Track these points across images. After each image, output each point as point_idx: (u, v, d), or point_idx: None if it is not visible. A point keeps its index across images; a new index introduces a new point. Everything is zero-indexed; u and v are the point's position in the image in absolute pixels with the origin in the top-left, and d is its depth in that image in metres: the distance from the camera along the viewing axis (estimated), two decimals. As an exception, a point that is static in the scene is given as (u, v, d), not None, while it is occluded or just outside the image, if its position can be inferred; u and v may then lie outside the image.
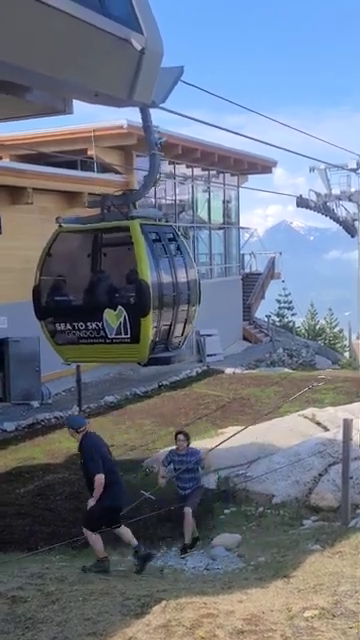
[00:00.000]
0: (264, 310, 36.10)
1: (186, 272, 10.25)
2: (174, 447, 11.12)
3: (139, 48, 7.86)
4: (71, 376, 20.98)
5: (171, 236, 10.24)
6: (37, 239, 20.35)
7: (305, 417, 14.83)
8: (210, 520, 10.89)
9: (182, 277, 10.08)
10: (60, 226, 10.11)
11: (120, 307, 9.38)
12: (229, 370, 24.54)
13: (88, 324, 9.60)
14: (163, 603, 5.15)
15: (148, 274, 9.18)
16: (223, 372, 24.29)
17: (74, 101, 9.24)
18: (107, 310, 9.44)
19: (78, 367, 19.24)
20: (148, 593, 5.42)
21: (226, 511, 11.28)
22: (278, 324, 40.63)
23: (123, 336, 9.42)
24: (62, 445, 15.48)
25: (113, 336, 9.46)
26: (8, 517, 11.19)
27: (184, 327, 10.30)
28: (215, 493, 12.02)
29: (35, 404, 19.81)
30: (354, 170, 31.47)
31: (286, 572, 6.55)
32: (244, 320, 32.94)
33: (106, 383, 23.03)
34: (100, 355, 10.08)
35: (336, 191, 33.95)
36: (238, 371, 24.59)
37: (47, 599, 5.38)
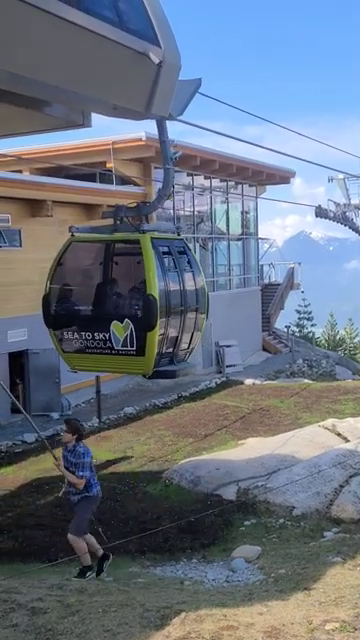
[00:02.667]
0: (283, 321, 35.98)
1: (195, 286, 10.25)
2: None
3: (157, 61, 7.89)
4: (90, 387, 21.06)
5: (182, 249, 10.25)
6: (56, 251, 20.71)
7: (325, 428, 14.76)
8: (230, 532, 10.82)
9: (191, 291, 10.07)
10: (72, 235, 10.15)
11: (127, 320, 9.40)
12: (249, 381, 24.47)
13: (95, 334, 9.63)
14: (183, 615, 5.12)
15: (156, 289, 9.18)
16: (242, 383, 24.23)
17: (92, 114, 9.30)
18: (114, 322, 9.46)
19: (98, 379, 19.33)
20: (168, 605, 5.40)
21: (246, 523, 11.23)
22: (298, 335, 40.48)
23: (129, 348, 9.43)
24: (82, 456, 15.50)
25: (119, 348, 9.48)
26: (28, 528, 11.22)
27: (190, 340, 10.28)
28: (235, 504, 11.97)
29: (55, 415, 19.91)
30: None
31: (307, 584, 6.49)
32: (263, 331, 32.84)
33: (125, 394, 23.06)
34: (106, 365, 10.08)
35: (355, 201, 33.83)
36: (258, 382, 24.51)
37: (67, 610, 5.37)
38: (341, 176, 32.44)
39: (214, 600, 6.05)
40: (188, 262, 10.10)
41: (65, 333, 9.89)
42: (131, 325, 9.23)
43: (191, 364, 10.51)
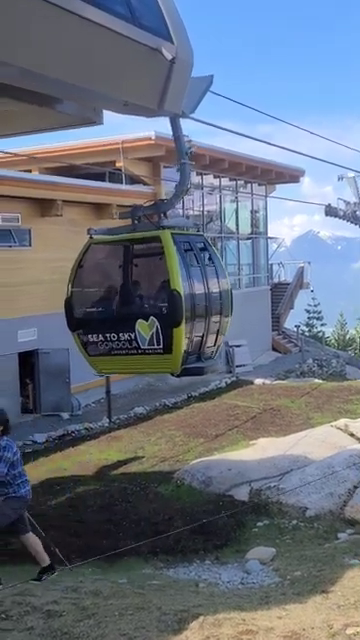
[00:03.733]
0: (293, 320, 35.83)
1: (218, 282, 10.17)
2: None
3: (170, 58, 7.83)
4: (100, 387, 20.99)
5: (202, 245, 10.17)
6: (66, 251, 20.51)
7: (338, 428, 14.64)
8: (243, 533, 10.72)
9: (214, 287, 9.99)
10: (91, 237, 10.09)
11: (152, 318, 9.30)
12: (259, 381, 24.35)
13: (120, 335, 9.54)
14: (201, 619, 5.04)
15: (180, 284, 9.10)
16: (252, 383, 24.10)
17: (104, 112, 9.23)
18: (139, 321, 9.38)
19: (108, 378, 19.24)
20: (185, 608, 5.31)
21: (259, 524, 11.12)
22: (307, 334, 40.30)
23: (155, 347, 9.34)
24: (93, 457, 15.47)
25: (145, 347, 9.39)
26: (40, 529, 11.12)
27: (216, 337, 10.20)
28: (247, 505, 11.87)
29: (65, 415, 19.87)
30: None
31: (324, 587, 6.40)
32: (273, 330, 32.70)
33: (135, 394, 22.99)
34: (132, 366, 10.02)
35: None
36: (268, 382, 24.38)
37: (82, 613, 5.29)
38: (351, 174, 32.38)
39: (231, 603, 5.96)
40: (209, 258, 10.03)
41: (89, 336, 9.80)
42: (156, 322, 9.16)
43: (218, 360, 10.44)
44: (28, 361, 20.02)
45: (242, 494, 12.29)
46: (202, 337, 9.83)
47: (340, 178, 32.81)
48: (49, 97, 7.91)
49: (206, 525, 11.13)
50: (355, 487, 11.67)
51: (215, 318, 10.08)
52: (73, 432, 17.80)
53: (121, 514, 11.78)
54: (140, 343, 9.45)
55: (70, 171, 22.60)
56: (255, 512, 11.58)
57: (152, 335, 9.35)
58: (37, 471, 14.64)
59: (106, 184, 23.30)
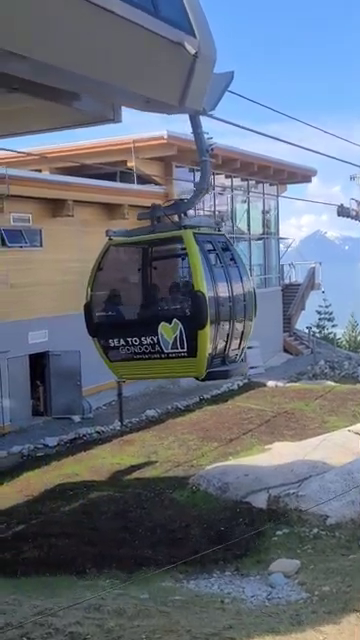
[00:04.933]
0: (304, 321, 35.47)
1: (242, 282, 9.84)
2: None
3: (193, 52, 7.51)
4: (111, 390, 20.73)
5: (224, 245, 9.86)
6: (77, 252, 20.43)
7: (356, 433, 14.32)
8: (262, 542, 10.43)
9: (238, 288, 9.65)
10: (110, 239, 9.78)
11: (176, 320, 8.99)
12: (271, 383, 24.04)
13: (143, 339, 9.23)
14: (233, 644, 4.76)
15: (204, 285, 8.79)
16: (265, 385, 23.80)
17: (122, 109, 8.95)
18: (162, 324, 9.06)
19: (119, 382, 18.97)
20: (215, 631, 5.03)
21: (278, 532, 10.82)
22: (318, 335, 39.92)
23: (179, 350, 9.02)
24: (105, 461, 15.21)
25: (169, 350, 9.07)
26: (53, 537, 10.89)
27: (241, 339, 9.88)
28: (266, 513, 11.58)
29: (76, 418, 19.61)
30: None
31: (356, 605, 6.10)
32: (284, 332, 32.37)
33: (146, 397, 22.72)
34: (156, 371, 9.69)
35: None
36: (280, 384, 24.07)
37: (108, 636, 5.01)
38: (363, 174, 31.91)
39: (261, 624, 5.67)
40: (232, 258, 9.71)
41: (110, 341, 9.49)
42: (180, 325, 8.84)
43: (244, 363, 10.13)
44: (39, 363, 19.78)
45: (260, 501, 12.00)
46: (227, 339, 9.52)
47: (352, 178, 32.39)
48: (67, 93, 7.63)
49: (224, 533, 10.89)
50: (377, 495, 11.35)
51: (239, 320, 9.77)
52: (85, 435, 17.54)
53: (136, 521, 11.52)
54: (163, 347, 9.14)
55: (81, 171, 22.35)
56: (274, 520, 11.30)
57: (176, 338, 9.04)
58: (49, 476, 14.41)
59: (118, 184, 23.03)
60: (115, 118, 8.86)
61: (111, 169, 22.50)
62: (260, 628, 5.36)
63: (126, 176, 23.93)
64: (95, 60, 6.55)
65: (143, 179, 23.74)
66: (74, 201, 20.00)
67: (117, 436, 17.43)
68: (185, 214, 9.86)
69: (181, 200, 10.16)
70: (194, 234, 9.14)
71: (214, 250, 9.56)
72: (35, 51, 5.86)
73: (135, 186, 22.81)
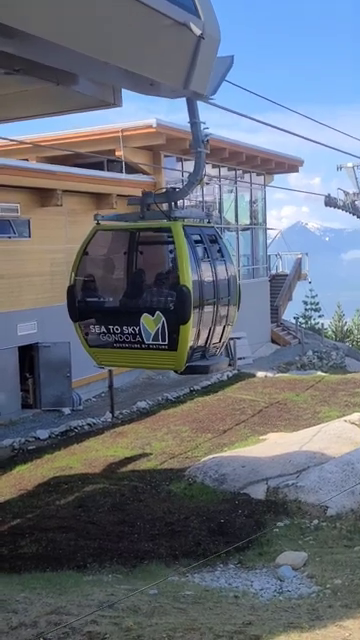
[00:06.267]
0: (291, 312, 35.47)
1: (227, 277, 9.70)
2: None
3: (198, 33, 7.30)
4: (101, 381, 20.56)
5: (213, 238, 9.69)
6: (66, 242, 20.16)
7: (352, 423, 14.25)
8: (264, 534, 10.31)
9: (223, 282, 9.51)
10: (98, 223, 9.57)
11: (158, 313, 8.85)
12: (260, 374, 23.95)
13: (124, 328, 9.09)
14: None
15: (190, 280, 8.64)
16: (254, 376, 23.70)
17: (122, 93, 8.73)
18: (145, 315, 8.91)
19: (110, 373, 18.79)
20: (237, 628, 4.88)
21: (279, 524, 10.71)
22: (304, 326, 39.96)
23: (160, 343, 8.89)
24: (99, 454, 15.02)
25: (150, 342, 8.94)
26: (51, 531, 10.69)
27: (222, 334, 9.74)
28: (265, 504, 11.47)
29: (66, 411, 19.40)
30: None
31: (372, 598, 5.99)
32: (272, 322, 32.32)
33: (136, 388, 22.56)
34: (134, 360, 9.55)
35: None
36: (270, 374, 24.00)
37: (127, 636, 4.84)
38: (350, 164, 31.94)
39: (281, 619, 5.54)
40: (219, 251, 9.54)
41: (91, 327, 9.34)
42: (163, 318, 8.70)
43: (223, 358, 9.98)
44: (28, 355, 19.52)
45: (258, 492, 11.89)
46: (208, 334, 9.39)
47: (339, 168, 32.39)
48: (68, 75, 7.41)
49: (224, 525, 10.76)
50: (377, 485, 11.28)
51: (223, 314, 9.64)
52: (76, 428, 17.32)
53: (134, 514, 11.36)
54: (144, 338, 9.00)
55: (67, 160, 22.06)
56: (273, 511, 11.20)
57: (157, 330, 8.91)
58: (42, 469, 14.21)
59: (106, 173, 22.77)
60: (116, 102, 8.66)
61: (98, 157, 22.22)
62: (280, 623, 5.23)
63: (113, 165, 23.67)
64: (98, 39, 6.32)
65: (131, 168, 23.49)
66: (63, 191, 19.70)
67: (109, 428, 17.24)
68: (176, 204, 9.67)
69: (173, 189, 9.96)
70: (183, 226, 8.96)
71: (202, 243, 9.39)
72: (35, 27, 5.61)
73: (123, 175, 22.56)
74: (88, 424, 17.71)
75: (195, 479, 12.85)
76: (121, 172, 22.69)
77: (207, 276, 9.23)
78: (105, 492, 12.44)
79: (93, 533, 10.62)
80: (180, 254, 8.80)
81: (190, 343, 8.88)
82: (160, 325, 8.89)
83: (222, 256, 9.81)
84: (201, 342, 9.27)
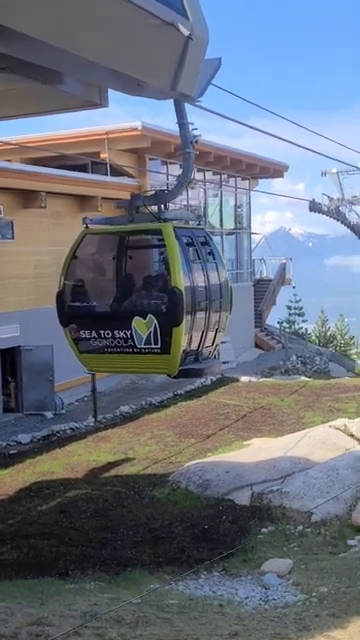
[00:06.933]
0: (274, 316, 35.45)
1: (219, 279, 9.63)
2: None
3: (186, 34, 7.22)
4: (83, 385, 20.38)
5: (204, 240, 9.61)
6: (49, 244, 20.00)
7: (337, 428, 14.19)
8: (248, 540, 10.21)
9: (215, 285, 9.44)
10: (87, 227, 9.46)
11: (150, 315, 8.74)
12: (244, 378, 23.88)
13: (115, 332, 8.97)
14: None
15: (181, 281, 8.55)
16: (238, 380, 23.63)
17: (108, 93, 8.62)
18: (136, 318, 8.81)
19: (93, 377, 18.58)
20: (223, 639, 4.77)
21: (264, 530, 10.63)
22: (288, 331, 40.00)
23: (153, 346, 8.79)
24: (81, 458, 14.86)
25: (142, 346, 8.83)
26: (32, 537, 10.52)
27: (215, 337, 9.67)
28: (249, 510, 11.38)
29: (48, 415, 19.19)
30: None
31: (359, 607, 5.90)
32: (256, 327, 32.28)
33: (119, 392, 22.40)
34: (127, 365, 9.43)
35: (349, 195, 33.45)
36: (254, 379, 23.94)
37: (112, 648, 4.73)
38: (334, 170, 32.02)
39: (267, 630, 5.44)
40: (210, 253, 9.47)
41: (81, 332, 9.20)
42: (155, 321, 8.59)
43: (217, 361, 9.90)
44: (10, 358, 19.29)
45: (243, 498, 11.80)
46: (201, 337, 9.30)
47: (323, 174, 32.49)
48: (55, 74, 7.30)
49: (208, 531, 10.65)
50: (361, 491, 11.23)
51: (215, 318, 9.56)
52: (58, 432, 17.13)
53: (117, 520, 11.22)
54: (136, 342, 8.89)
55: (52, 162, 21.88)
56: (258, 517, 11.11)
57: (150, 334, 8.80)
58: (24, 474, 14.02)
59: (91, 175, 22.62)
60: (102, 103, 8.55)
61: (83, 159, 22.07)
62: (267, 634, 5.13)
63: (98, 168, 23.52)
64: (86, 38, 6.22)
65: (116, 171, 23.35)
66: (47, 192, 19.54)
67: (92, 432, 17.08)
68: (165, 206, 9.59)
69: (162, 191, 9.87)
70: (174, 228, 8.88)
71: (193, 245, 9.32)
72: (23, 25, 5.50)
73: (108, 178, 22.40)
74: (71, 428, 17.53)
75: (179, 484, 12.73)
76: (106, 175, 22.53)
77: (199, 278, 9.16)
78: (88, 498, 12.28)
79: (75, 539, 10.46)
80: (171, 256, 8.71)
81: (183, 347, 8.80)
82: (152, 328, 8.78)
83: (213, 258, 9.75)
84: (194, 345, 9.19)
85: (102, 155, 22.27)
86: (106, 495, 12.38)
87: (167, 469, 13.84)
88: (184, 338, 8.77)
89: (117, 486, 12.94)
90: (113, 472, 13.92)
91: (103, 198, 21.36)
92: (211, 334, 9.57)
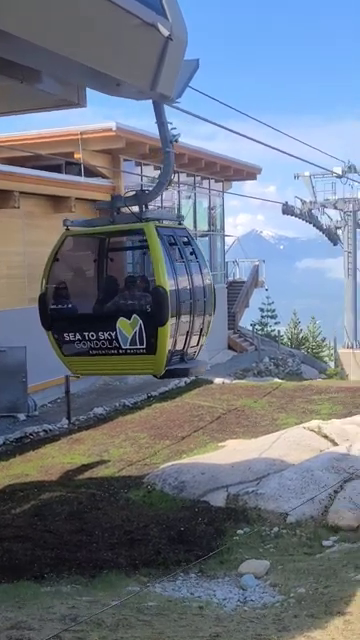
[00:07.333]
0: (247, 319, 35.60)
1: (202, 278, 9.67)
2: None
3: (166, 34, 7.22)
4: (56, 387, 20.24)
5: (186, 239, 9.65)
6: (22, 245, 19.83)
7: (311, 430, 14.26)
8: (224, 542, 10.21)
9: (198, 283, 9.49)
10: (67, 229, 9.42)
11: (135, 316, 8.73)
12: (218, 380, 23.93)
13: (100, 334, 8.93)
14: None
15: (166, 280, 8.56)
16: (212, 382, 23.67)
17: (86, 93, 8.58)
18: (121, 319, 8.80)
19: (67, 378, 18.49)
20: (205, 641, 4.75)
21: (239, 531, 10.63)
22: (261, 333, 40.20)
23: (138, 347, 8.78)
24: (55, 460, 14.75)
25: (127, 347, 8.82)
26: (6, 540, 10.39)
27: (200, 336, 9.70)
28: (225, 512, 11.38)
29: (21, 417, 19.00)
30: (340, 177, 31.21)
31: (338, 608, 5.93)
32: (229, 329, 32.37)
33: (93, 394, 22.27)
34: (112, 367, 9.43)
35: (320, 199, 33.72)
36: (227, 381, 24.00)
37: (93, 652, 4.68)
38: (307, 173, 32.26)
39: (248, 631, 5.43)
40: (192, 252, 9.50)
41: (65, 335, 9.15)
42: (140, 321, 8.60)
43: (203, 361, 9.93)
44: (-18, 359, 19.05)
45: (218, 500, 11.79)
46: (186, 336, 9.32)
47: (296, 177, 32.72)
48: (32, 72, 7.25)
49: (184, 533, 10.61)
50: (336, 492, 11.30)
51: (199, 316, 9.60)
52: (32, 434, 16.99)
53: (92, 522, 11.13)
54: (121, 343, 8.88)
55: (25, 162, 21.69)
56: (233, 519, 11.11)
57: (135, 334, 8.80)
58: (-4, 477, 13.86)
59: (65, 176, 22.46)
60: (80, 102, 8.53)
61: (58, 160, 21.93)
62: (248, 635, 5.12)
63: (71, 168, 23.39)
64: (66, 36, 6.18)
65: (90, 172, 23.24)
66: (20, 192, 19.36)
67: (66, 434, 16.97)
68: (146, 206, 9.61)
69: (142, 191, 9.89)
70: (156, 227, 8.90)
71: (175, 244, 9.35)
72: (1, 21, 5.44)
73: (82, 179, 22.29)
74: (44, 430, 17.39)
75: (154, 486, 12.69)
76: (80, 175, 22.42)
77: (183, 277, 9.19)
78: (62, 500, 12.18)
79: (50, 542, 10.35)
80: (154, 255, 8.74)
81: (169, 347, 8.81)
82: (137, 328, 8.79)
83: (196, 258, 9.80)
84: (179, 345, 9.20)
85: (76, 155, 22.15)
86: (81, 497, 12.29)
87: (142, 471, 13.80)
88: (170, 338, 8.79)
89: (92, 488, 12.85)
90: (88, 474, 13.83)
91: (77, 199, 21.25)
92: (196, 333, 9.61)
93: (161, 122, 9.33)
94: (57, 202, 21.33)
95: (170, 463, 13.78)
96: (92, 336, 9.03)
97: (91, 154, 22.74)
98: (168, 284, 8.68)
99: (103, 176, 23.58)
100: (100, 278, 9.50)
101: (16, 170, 19.81)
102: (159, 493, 12.46)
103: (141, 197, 9.52)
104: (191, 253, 9.76)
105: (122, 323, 8.82)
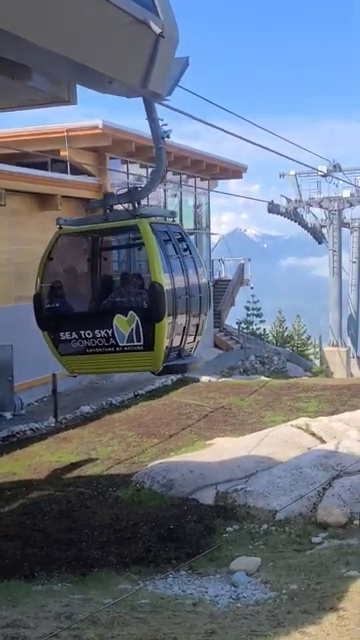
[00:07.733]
0: (233, 317, 35.69)
1: (197, 274, 9.69)
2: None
3: (158, 32, 7.22)
4: (43, 385, 20.17)
5: (180, 236, 9.65)
6: (9, 243, 19.73)
7: (298, 427, 14.33)
8: (213, 539, 10.23)
9: (194, 279, 9.50)
10: (60, 227, 9.38)
11: (132, 312, 8.72)
12: (205, 378, 23.94)
13: (96, 332, 8.91)
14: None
15: (162, 276, 8.56)
16: (199, 380, 23.69)
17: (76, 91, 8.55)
18: (117, 316, 8.77)
19: (54, 376, 18.43)
20: (202, 638, 4.77)
21: (229, 529, 10.66)
22: (246, 331, 40.32)
23: (135, 344, 8.77)
24: (43, 459, 14.70)
25: (124, 344, 8.80)
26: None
27: (196, 332, 9.71)
28: (214, 509, 11.40)
29: (8, 415, 18.93)
30: (325, 175, 31.34)
31: (331, 604, 5.97)
32: (214, 327, 32.41)
33: (79, 392, 22.20)
34: (109, 365, 9.40)
35: (305, 197, 33.85)
36: (214, 379, 24.03)
37: (91, 649, 4.67)
38: (293, 172, 32.36)
39: (242, 627, 5.45)
40: (187, 249, 9.51)
41: (61, 334, 9.11)
42: (137, 318, 8.59)
43: (199, 357, 9.94)
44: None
45: (207, 497, 11.80)
46: (183, 332, 9.32)
47: (282, 175, 32.82)
48: (23, 69, 7.21)
49: (174, 531, 10.62)
50: (324, 489, 11.35)
51: (195, 312, 9.61)
52: (19, 433, 16.92)
53: (82, 521, 11.10)
54: (118, 340, 8.86)
55: (11, 159, 21.57)
56: (223, 516, 11.14)
57: (132, 331, 8.79)
58: (-16, 476, 13.79)
59: (51, 174, 22.38)
60: (70, 99, 8.49)
61: (44, 157, 21.83)
62: (243, 631, 5.14)
63: (57, 166, 23.31)
64: (59, 34, 6.16)
65: (76, 170, 23.18)
66: (6, 190, 19.27)
67: (53, 433, 16.91)
68: (139, 203, 9.60)
69: (135, 188, 9.87)
70: (150, 224, 8.90)
71: (170, 240, 9.35)
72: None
73: (69, 176, 22.23)
74: (31, 429, 17.33)
75: (143, 485, 12.67)
76: (66, 173, 22.35)
77: (178, 273, 9.20)
78: (51, 499, 12.15)
79: (40, 541, 10.31)
80: (150, 251, 8.74)
81: (166, 343, 8.80)
82: (134, 325, 8.77)
83: (190, 253, 9.81)
84: (177, 341, 9.21)
85: (62, 153, 22.08)
86: (69, 496, 12.27)
87: (130, 469, 13.78)
88: (167, 334, 8.79)
89: (80, 487, 12.82)
90: (76, 473, 13.80)
91: (63, 196, 21.19)
92: (192, 329, 9.63)
93: (152, 118, 9.32)
94: (43, 200, 21.26)
95: (158, 461, 13.78)
96: (88, 334, 9.00)
97: (77, 152, 22.69)
98: (164, 280, 8.68)
99: (89, 174, 23.54)
100: (95, 276, 9.49)
101: (1, 167, 19.69)
102: (148, 491, 12.45)
103: (134, 194, 9.49)
104: (185, 249, 9.77)
105: (119, 320, 8.80)
